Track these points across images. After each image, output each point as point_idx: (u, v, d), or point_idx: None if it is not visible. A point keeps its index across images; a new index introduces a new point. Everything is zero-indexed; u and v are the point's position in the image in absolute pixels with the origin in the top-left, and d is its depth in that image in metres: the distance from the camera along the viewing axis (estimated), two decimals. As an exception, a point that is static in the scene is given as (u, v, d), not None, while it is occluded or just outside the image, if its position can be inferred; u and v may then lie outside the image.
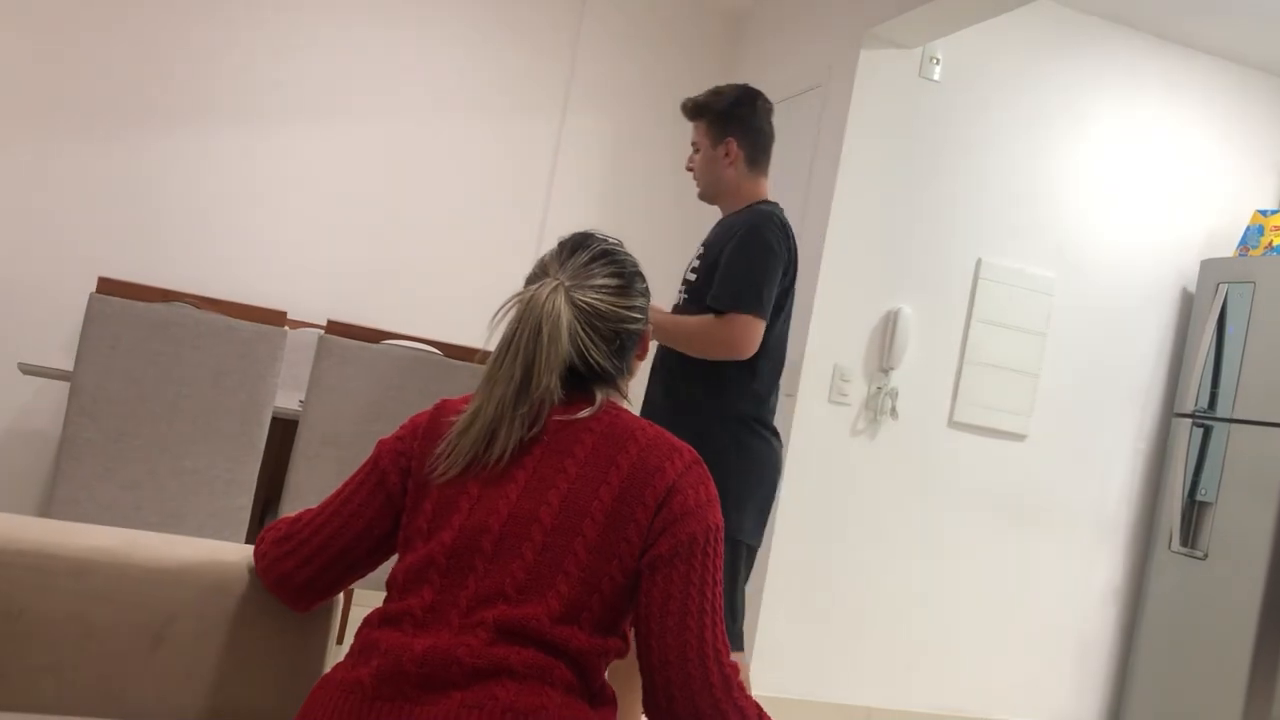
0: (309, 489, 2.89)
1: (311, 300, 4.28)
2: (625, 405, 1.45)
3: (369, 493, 1.39)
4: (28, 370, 2.81)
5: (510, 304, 1.37)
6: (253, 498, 2.83)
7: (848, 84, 3.79)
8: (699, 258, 2.60)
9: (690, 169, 2.71)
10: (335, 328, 2.87)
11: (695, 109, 2.69)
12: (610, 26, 4.70)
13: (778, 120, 4.38)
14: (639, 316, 1.43)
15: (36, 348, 3.95)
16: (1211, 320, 4.02)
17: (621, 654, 1.31)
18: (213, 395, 2.71)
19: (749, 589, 3.80)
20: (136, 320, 2.62)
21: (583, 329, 1.36)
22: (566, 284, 1.37)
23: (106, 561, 1.43)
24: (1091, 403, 4.13)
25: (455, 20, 4.49)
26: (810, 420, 3.71)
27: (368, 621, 1.30)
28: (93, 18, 4.02)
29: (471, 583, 1.25)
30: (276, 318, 2.76)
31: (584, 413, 1.36)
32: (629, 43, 4.73)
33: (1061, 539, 4.11)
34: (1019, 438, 4.01)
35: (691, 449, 1.38)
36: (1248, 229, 4.16)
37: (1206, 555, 3.87)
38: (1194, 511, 3.97)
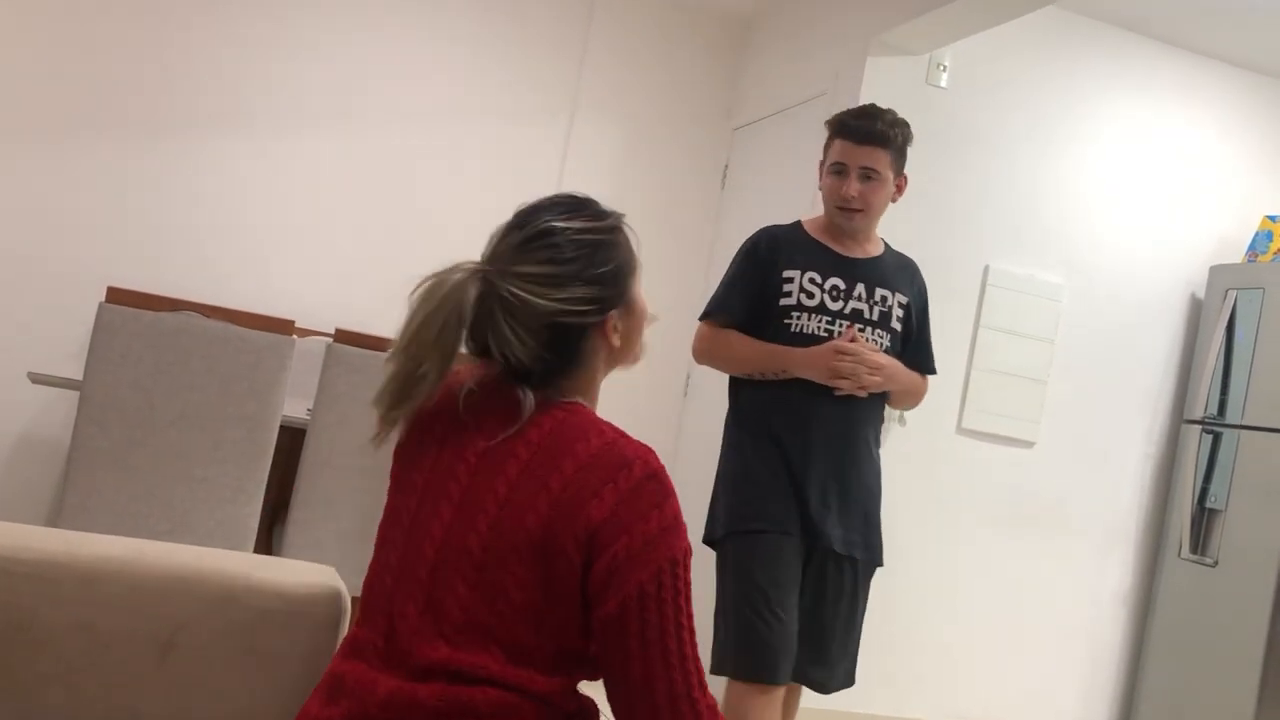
0: (317, 497, 2.89)
1: (319, 308, 4.28)
2: (583, 403, 1.29)
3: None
4: (38, 380, 2.82)
5: (421, 284, 1.23)
6: (261, 506, 2.84)
7: (854, 91, 3.79)
8: (902, 306, 2.54)
9: (853, 195, 2.44)
10: (343, 336, 2.87)
11: (885, 137, 2.45)
12: (617, 32, 4.71)
13: (785, 128, 4.40)
14: (580, 309, 1.23)
15: (46, 357, 3.96)
16: (1220, 326, 4.01)
17: (594, 677, 1.23)
18: (221, 404, 2.72)
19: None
20: (145, 330, 2.63)
21: (506, 321, 1.21)
22: (489, 270, 1.23)
23: (114, 571, 1.44)
24: (1100, 409, 4.12)
25: (462, 27, 4.50)
26: (818, 427, 3.71)
27: (346, 642, 1.27)
28: (100, 29, 4.05)
29: (413, 615, 1.18)
30: (285, 327, 2.77)
31: (513, 426, 1.22)
32: (636, 49, 4.74)
33: (1071, 546, 4.09)
34: (1027, 444, 4.00)
35: (648, 460, 1.20)
36: (1256, 234, 4.15)
37: (1216, 562, 3.85)
38: (1204, 518, 3.96)
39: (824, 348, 2.39)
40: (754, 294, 2.49)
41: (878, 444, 2.57)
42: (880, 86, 3.77)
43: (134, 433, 2.67)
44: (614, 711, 1.20)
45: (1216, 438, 3.97)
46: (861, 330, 2.44)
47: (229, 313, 2.79)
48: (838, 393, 2.40)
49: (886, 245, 2.62)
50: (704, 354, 2.58)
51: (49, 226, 4.00)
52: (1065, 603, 4.08)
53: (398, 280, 4.38)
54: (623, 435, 1.22)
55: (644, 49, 4.76)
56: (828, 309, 2.43)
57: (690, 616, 1.18)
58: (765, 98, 4.58)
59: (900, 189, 2.53)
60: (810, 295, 2.44)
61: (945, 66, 3.84)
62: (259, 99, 4.25)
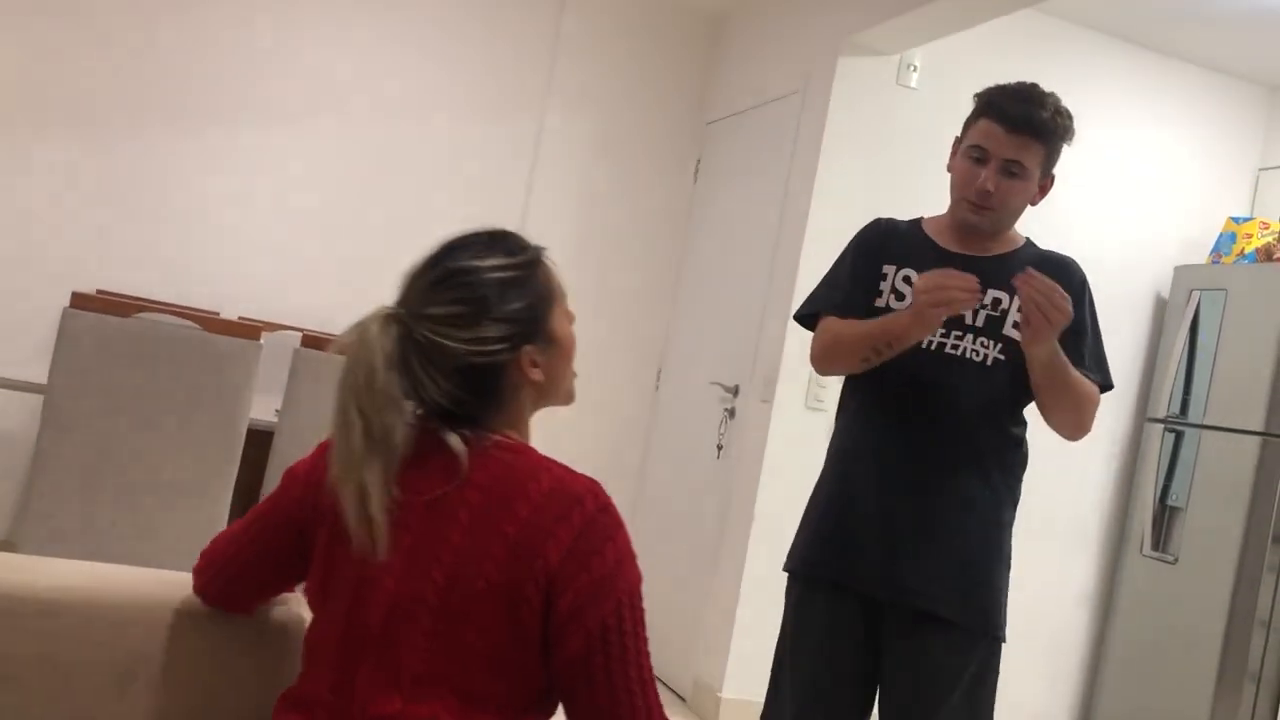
0: (284, 501, 2.89)
1: (288, 303, 4.26)
2: (519, 438, 1.28)
3: (272, 531, 1.33)
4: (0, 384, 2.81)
5: (347, 333, 1.22)
6: (229, 509, 2.84)
7: (825, 90, 3.80)
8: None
9: (989, 190, 2.01)
10: (310, 340, 2.87)
11: (1046, 129, 2.00)
12: (589, 27, 4.69)
13: (757, 124, 4.40)
14: (490, 348, 1.21)
15: (10, 357, 3.91)
16: (1184, 327, 4.06)
17: (547, 716, 1.25)
18: (188, 409, 2.71)
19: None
20: (110, 335, 2.62)
21: (420, 364, 1.20)
22: (403, 313, 1.22)
23: (74, 600, 1.44)
24: (1065, 407, 4.16)
25: (433, 22, 4.47)
26: (787, 427, 3.73)
27: (284, 698, 1.27)
28: (67, 25, 3.99)
29: (365, 670, 1.17)
30: (251, 331, 2.76)
31: (458, 473, 1.20)
32: (608, 41, 4.72)
33: (1034, 542, 4.13)
34: (993, 442, 4.04)
35: (597, 494, 1.20)
36: (1220, 236, 4.19)
37: (1177, 559, 3.92)
38: (1165, 516, 4.02)
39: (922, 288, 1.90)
40: (854, 290, 2.14)
41: (1002, 481, 2.23)
42: (850, 86, 3.78)
43: (99, 438, 2.66)
44: None
45: (1179, 436, 4.03)
46: (960, 336, 2.02)
47: (196, 315, 2.78)
48: (1022, 323, 1.90)
49: (1028, 243, 2.19)
50: (818, 358, 2.15)
51: (10, 225, 3.95)
52: (1027, 599, 4.13)
53: (367, 276, 4.39)
54: (569, 471, 1.23)
55: (616, 42, 4.74)
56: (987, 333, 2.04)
57: (646, 641, 1.21)
58: (738, 93, 4.57)
59: (1044, 191, 2.10)
60: (901, 296, 2.05)
61: (916, 67, 3.85)
62: (226, 97, 4.21)
